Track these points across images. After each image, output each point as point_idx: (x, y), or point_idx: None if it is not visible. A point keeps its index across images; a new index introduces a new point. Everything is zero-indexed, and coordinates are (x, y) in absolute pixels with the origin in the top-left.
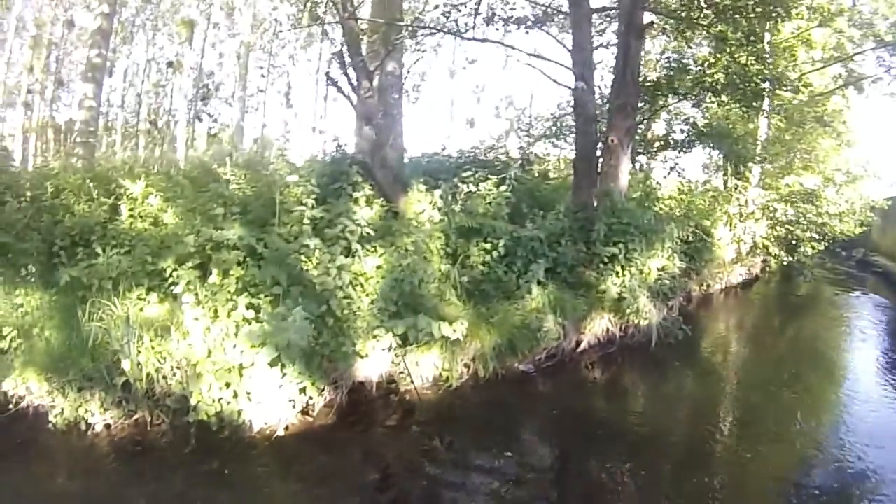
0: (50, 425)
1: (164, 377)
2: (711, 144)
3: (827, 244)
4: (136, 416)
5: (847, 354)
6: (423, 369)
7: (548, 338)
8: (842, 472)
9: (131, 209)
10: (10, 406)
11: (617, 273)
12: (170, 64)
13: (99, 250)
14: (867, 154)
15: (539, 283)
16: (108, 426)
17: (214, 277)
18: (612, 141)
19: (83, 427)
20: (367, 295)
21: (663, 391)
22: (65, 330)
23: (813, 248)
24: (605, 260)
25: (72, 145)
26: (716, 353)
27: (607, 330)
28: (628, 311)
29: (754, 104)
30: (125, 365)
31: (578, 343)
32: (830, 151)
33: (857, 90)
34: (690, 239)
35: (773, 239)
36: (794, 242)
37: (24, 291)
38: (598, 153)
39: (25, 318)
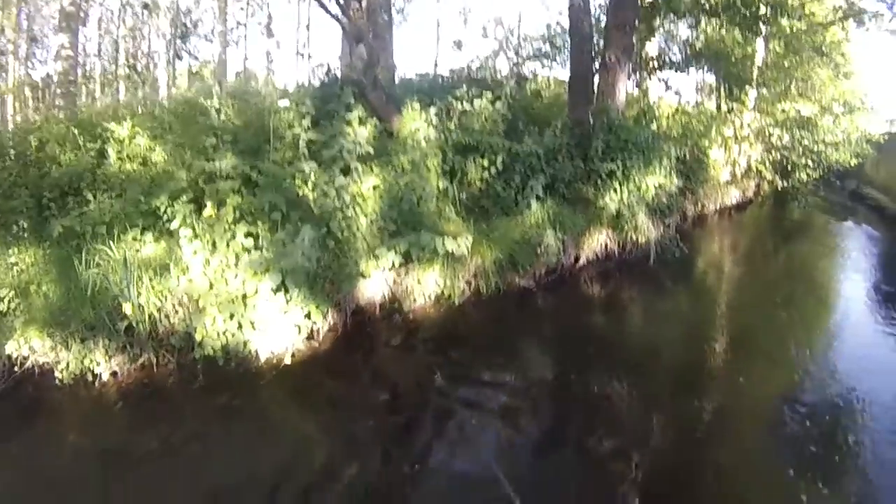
0: (56, 381)
1: (167, 316)
2: (708, 66)
3: (821, 173)
4: (141, 360)
5: (839, 281)
6: (425, 287)
7: (548, 253)
8: (833, 395)
9: (119, 151)
10: (16, 369)
11: (615, 189)
12: (145, 6)
13: (90, 196)
14: (865, 87)
15: (538, 198)
16: (114, 374)
17: (209, 209)
18: (610, 59)
19: (90, 378)
20: (366, 215)
21: (660, 308)
22: (62, 282)
23: (808, 174)
24: (603, 176)
25: (52, 98)
26: (711, 273)
27: (606, 246)
28: (626, 227)
29: (753, 28)
30: (126, 308)
31: (577, 258)
32: (827, 82)
33: (856, 23)
34: (687, 158)
35: (767, 163)
36: (788, 168)
37: (17, 249)
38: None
39: (21, 276)
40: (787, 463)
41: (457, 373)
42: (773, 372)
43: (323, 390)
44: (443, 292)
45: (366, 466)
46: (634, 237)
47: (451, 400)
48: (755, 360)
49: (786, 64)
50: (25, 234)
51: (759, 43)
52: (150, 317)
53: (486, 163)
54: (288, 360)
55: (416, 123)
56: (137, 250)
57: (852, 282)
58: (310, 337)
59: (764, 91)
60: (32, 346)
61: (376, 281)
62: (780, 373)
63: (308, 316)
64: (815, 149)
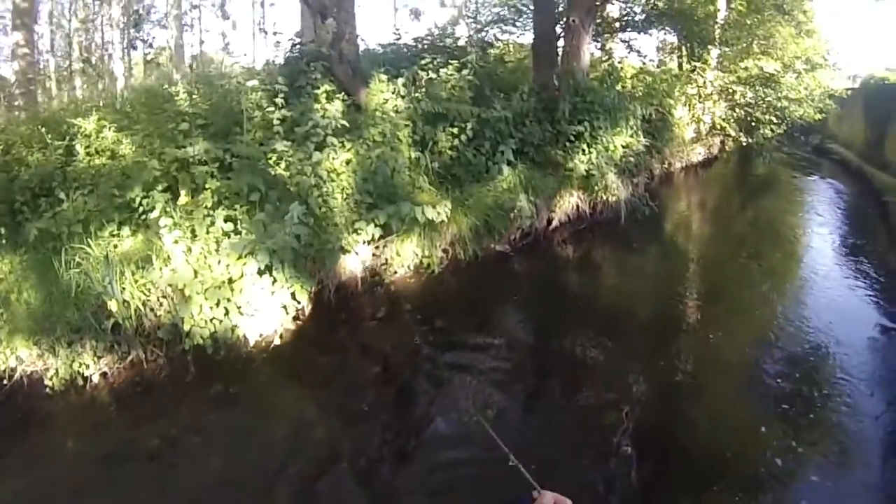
0: (47, 390)
1: (152, 310)
2: (670, 26)
3: (785, 128)
4: (130, 357)
5: (806, 235)
6: (405, 258)
7: (521, 217)
8: (805, 343)
9: (87, 147)
10: (5, 382)
11: (583, 150)
12: None
13: (62, 196)
14: (827, 45)
15: (509, 163)
16: (104, 375)
17: (185, 196)
18: (574, 21)
19: (80, 382)
20: (342, 190)
21: (633, 266)
22: (43, 286)
23: (772, 130)
24: (572, 138)
25: (10, 99)
26: (681, 230)
27: (577, 207)
28: (596, 187)
29: None
30: (111, 306)
31: (550, 221)
32: (789, 39)
33: None
34: (652, 117)
35: (731, 120)
36: (753, 124)
37: None
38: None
39: (0, 286)
40: (764, 410)
41: (442, 339)
42: (746, 323)
43: (314, 368)
44: (422, 262)
45: (365, 438)
46: (605, 197)
47: (439, 366)
48: (728, 312)
49: (748, 22)
50: (1, 242)
51: (721, 2)
52: (135, 312)
53: (455, 131)
54: (277, 342)
55: (384, 95)
56: (116, 245)
57: (819, 235)
58: (296, 317)
59: (726, 49)
60: (19, 357)
61: (357, 255)
62: (753, 324)
63: (293, 295)
64: (779, 105)
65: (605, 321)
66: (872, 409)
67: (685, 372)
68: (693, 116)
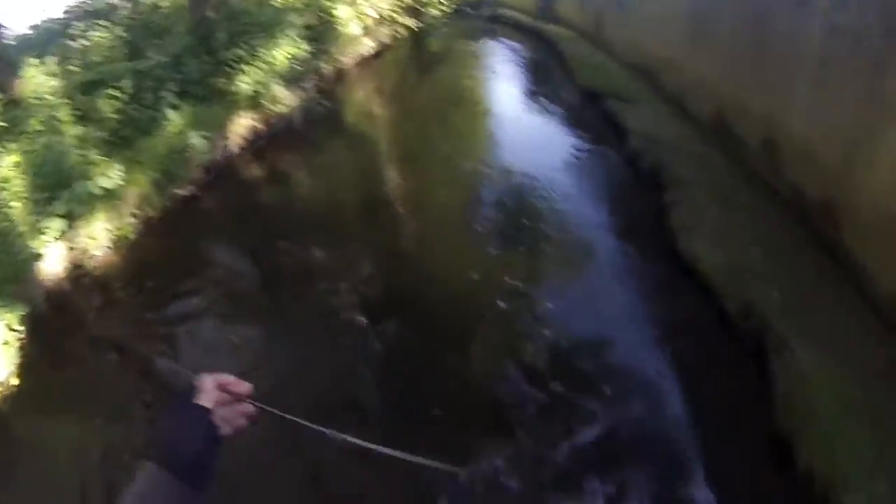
0: None
1: None
2: None
3: (455, 6)
4: None
5: (487, 90)
6: (100, 238)
7: (198, 154)
8: (511, 181)
9: None
10: None
11: (245, 72)
12: None
13: None
14: None
15: (173, 107)
16: None
17: None
18: None
19: None
20: (18, 195)
21: (323, 166)
22: None
23: (439, 10)
24: (232, 64)
25: None
26: (362, 119)
27: (253, 128)
28: (265, 103)
29: None
30: None
31: (228, 149)
32: None
33: None
34: (314, 23)
35: (398, 9)
36: (419, 9)
37: None
38: None
39: None
40: (493, 250)
41: (160, 299)
42: (450, 182)
43: (61, 391)
44: (116, 235)
45: (136, 433)
46: (276, 110)
47: (167, 323)
48: (430, 177)
49: None
50: None
51: None
52: None
53: (114, 92)
54: (15, 382)
55: (36, 80)
56: None
57: (500, 90)
58: (21, 346)
59: None
60: None
61: (53, 255)
62: (457, 180)
63: (9, 327)
64: None
65: (313, 223)
66: (587, 216)
67: (406, 240)
68: (356, 13)
